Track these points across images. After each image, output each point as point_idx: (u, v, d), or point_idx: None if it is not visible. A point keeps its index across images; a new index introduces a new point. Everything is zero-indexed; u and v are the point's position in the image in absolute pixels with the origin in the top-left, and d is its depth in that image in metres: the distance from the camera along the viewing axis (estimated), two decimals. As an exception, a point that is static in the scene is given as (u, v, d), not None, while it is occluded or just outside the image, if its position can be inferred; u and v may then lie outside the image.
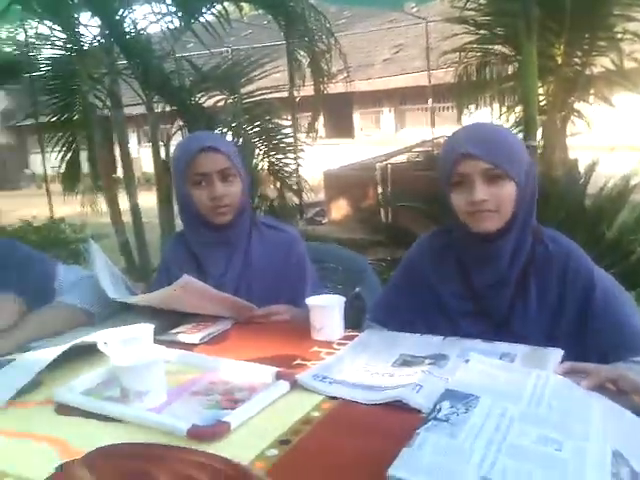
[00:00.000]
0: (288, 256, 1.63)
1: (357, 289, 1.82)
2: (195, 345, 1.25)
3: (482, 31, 4.70)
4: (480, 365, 0.95)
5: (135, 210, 3.71)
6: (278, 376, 1.00)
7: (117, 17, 3.52)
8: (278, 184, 3.77)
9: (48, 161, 5.18)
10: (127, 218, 3.81)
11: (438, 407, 0.82)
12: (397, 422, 0.85)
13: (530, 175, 1.23)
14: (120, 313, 1.43)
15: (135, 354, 0.99)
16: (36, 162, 12.46)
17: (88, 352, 1.13)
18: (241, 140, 3.49)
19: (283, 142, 3.80)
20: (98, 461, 0.80)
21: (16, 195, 13.37)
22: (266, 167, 3.69)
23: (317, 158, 5.67)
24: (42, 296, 1.42)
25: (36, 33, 4.12)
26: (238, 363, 1.07)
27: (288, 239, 1.66)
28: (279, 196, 3.77)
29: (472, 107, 5.29)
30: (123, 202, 3.81)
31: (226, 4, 3.65)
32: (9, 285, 1.38)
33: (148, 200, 3.81)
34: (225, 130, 3.42)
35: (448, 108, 9.75)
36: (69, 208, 4.74)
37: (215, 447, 0.81)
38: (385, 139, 12.73)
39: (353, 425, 0.88)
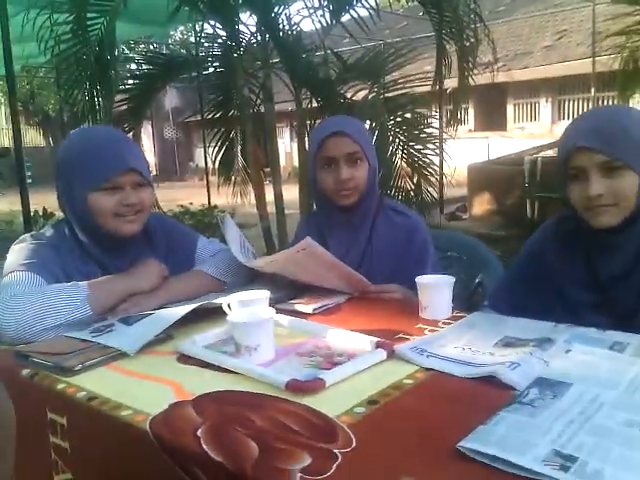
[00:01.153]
0: (410, 240, 1.65)
1: (479, 277, 1.79)
2: (309, 314, 1.33)
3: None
4: (582, 356, 0.92)
5: (278, 201, 3.90)
6: (377, 345, 1.04)
7: (272, 14, 3.70)
8: (416, 176, 3.73)
9: (209, 155, 5.55)
10: (272, 208, 4.02)
11: (525, 392, 0.81)
12: (486, 396, 0.85)
13: None
14: (248, 284, 1.56)
15: (249, 313, 1.09)
16: (200, 155, 13.53)
17: (215, 313, 1.25)
18: (378, 129, 3.51)
19: (424, 132, 3.75)
20: (205, 404, 0.90)
21: (181, 186, 14.67)
22: (404, 158, 3.67)
23: (463, 151, 5.51)
24: (183, 263, 1.58)
25: (202, 33, 4.41)
26: (342, 331, 1.13)
27: (412, 223, 1.68)
28: (416, 188, 3.73)
29: (638, 96, 4.84)
30: (270, 194, 4.01)
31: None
32: (157, 252, 1.57)
33: (296, 192, 3.99)
34: (364, 119, 3.45)
35: (613, 98, 8.96)
36: (223, 199, 5.07)
37: (309, 400, 0.88)
38: (541, 131, 12.02)
39: (442, 395, 0.89)
